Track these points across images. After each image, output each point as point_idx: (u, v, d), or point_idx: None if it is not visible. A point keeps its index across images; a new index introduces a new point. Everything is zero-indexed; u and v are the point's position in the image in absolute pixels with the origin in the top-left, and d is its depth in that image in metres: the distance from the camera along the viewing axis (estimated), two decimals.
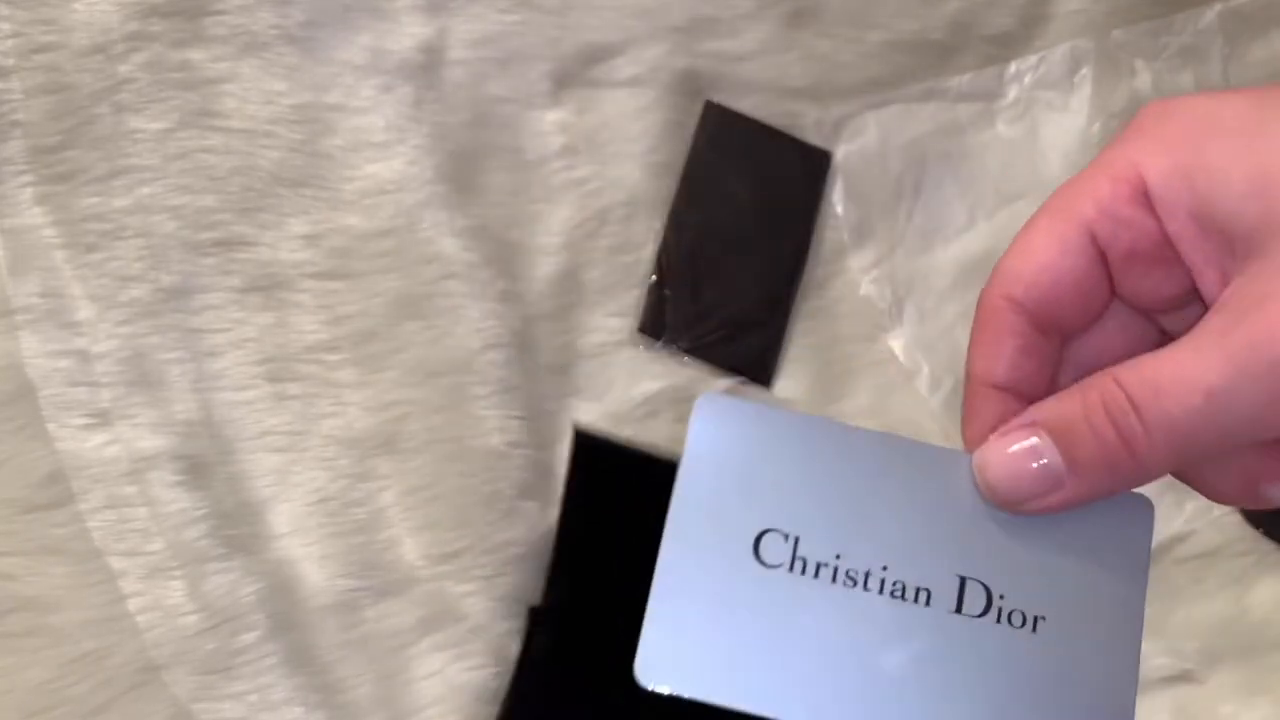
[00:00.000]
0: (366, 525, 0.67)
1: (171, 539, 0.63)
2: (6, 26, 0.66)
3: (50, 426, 0.63)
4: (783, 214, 0.79)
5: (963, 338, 0.78)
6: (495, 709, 0.66)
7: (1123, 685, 0.34)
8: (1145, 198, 0.34)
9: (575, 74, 0.76)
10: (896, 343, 0.79)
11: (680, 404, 0.75)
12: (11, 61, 0.66)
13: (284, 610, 0.65)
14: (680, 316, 0.76)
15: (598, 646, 0.59)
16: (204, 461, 0.65)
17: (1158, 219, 0.34)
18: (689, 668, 0.34)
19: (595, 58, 0.76)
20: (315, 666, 0.65)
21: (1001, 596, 0.34)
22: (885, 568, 0.34)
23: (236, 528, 0.65)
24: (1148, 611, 0.72)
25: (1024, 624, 0.34)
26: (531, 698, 0.62)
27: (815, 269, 0.79)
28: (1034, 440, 0.33)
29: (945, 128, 0.81)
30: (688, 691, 0.34)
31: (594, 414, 0.74)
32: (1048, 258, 0.35)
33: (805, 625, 0.34)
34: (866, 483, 0.35)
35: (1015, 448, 0.33)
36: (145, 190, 0.67)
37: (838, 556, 0.34)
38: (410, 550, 0.68)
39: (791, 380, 0.77)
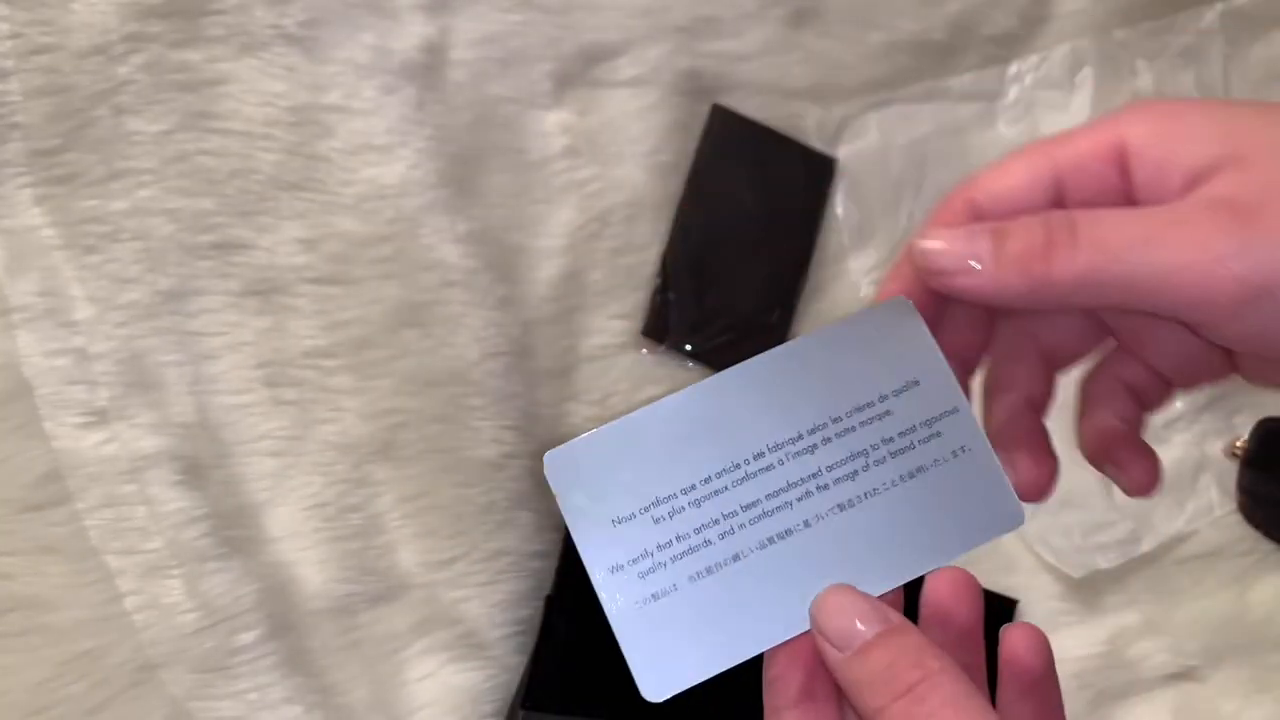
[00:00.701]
0: (362, 531, 0.67)
1: (169, 538, 0.63)
2: (5, 28, 0.65)
3: (47, 425, 0.63)
4: (787, 218, 0.79)
5: None
6: (489, 710, 0.66)
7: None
8: (1120, 158, 0.37)
9: (577, 74, 0.76)
10: None
11: None
12: (10, 63, 0.66)
13: (282, 612, 0.65)
14: (684, 319, 0.76)
15: (610, 634, 0.61)
16: (201, 463, 0.65)
17: (1127, 179, 0.37)
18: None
19: (597, 58, 0.76)
20: (313, 668, 0.65)
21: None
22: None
23: (234, 529, 0.65)
24: (1149, 610, 0.71)
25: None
26: (550, 679, 0.63)
27: (817, 271, 0.79)
28: (975, 230, 0.37)
29: (946, 128, 0.81)
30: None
31: (595, 419, 0.74)
32: (1015, 181, 0.38)
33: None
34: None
35: (958, 231, 0.37)
36: (144, 193, 0.67)
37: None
38: (406, 556, 0.68)
39: None
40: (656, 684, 0.38)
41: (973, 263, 0.36)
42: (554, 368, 0.73)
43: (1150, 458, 0.42)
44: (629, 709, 0.59)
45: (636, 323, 0.75)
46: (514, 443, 0.69)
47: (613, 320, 0.75)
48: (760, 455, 0.39)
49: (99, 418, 0.64)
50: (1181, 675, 0.73)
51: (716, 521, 0.39)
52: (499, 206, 0.74)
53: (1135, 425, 0.42)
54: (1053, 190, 0.38)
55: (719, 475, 0.39)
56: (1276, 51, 0.84)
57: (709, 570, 0.38)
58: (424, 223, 0.70)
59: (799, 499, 0.38)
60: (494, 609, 0.67)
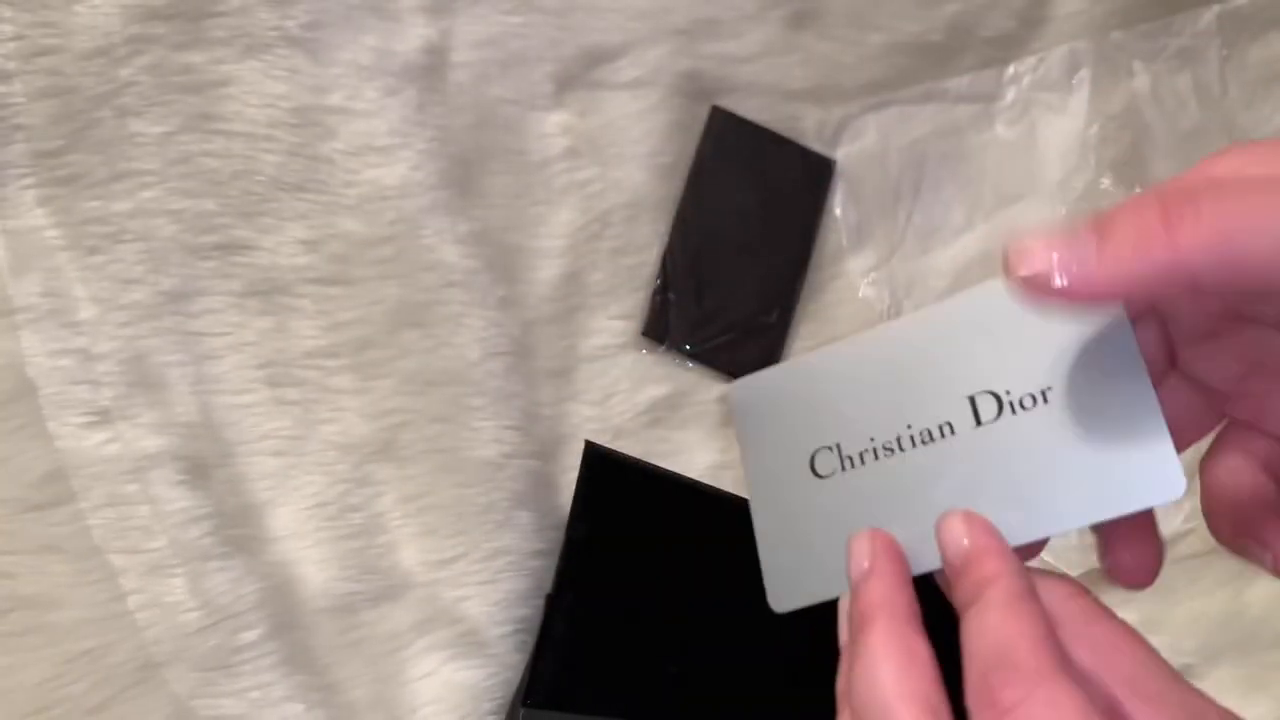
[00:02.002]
0: (364, 530, 0.67)
1: (172, 537, 0.63)
2: (8, 29, 0.66)
3: (50, 425, 0.63)
4: (786, 219, 0.79)
5: None
6: (490, 708, 0.66)
7: (1147, 419, 0.35)
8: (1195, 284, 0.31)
9: (578, 76, 0.76)
10: None
11: (683, 408, 0.75)
12: (14, 65, 0.66)
13: (284, 610, 0.65)
14: (684, 320, 0.76)
15: (610, 632, 0.64)
16: (204, 463, 0.65)
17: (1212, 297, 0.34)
18: (804, 583, 0.40)
19: (598, 59, 0.76)
20: (315, 667, 0.65)
21: (1007, 392, 0.37)
22: (909, 425, 0.39)
23: (236, 528, 0.65)
24: (1147, 608, 0.71)
25: (1035, 403, 0.37)
26: (551, 676, 0.63)
27: (815, 272, 0.79)
28: (1074, 228, 0.32)
29: (944, 129, 0.81)
30: (813, 600, 0.39)
31: (595, 419, 0.74)
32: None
33: (871, 503, 0.39)
34: (874, 375, 0.40)
35: (1052, 234, 0.32)
36: (146, 194, 0.67)
37: (871, 439, 0.40)
38: (407, 556, 0.68)
39: None
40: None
41: (1086, 252, 0.31)
42: (554, 368, 0.73)
43: None
44: (630, 706, 0.61)
45: (636, 323, 0.76)
46: (514, 443, 0.69)
47: (613, 320, 0.75)
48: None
49: (102, 417, 0.64)
50: (1180, 673, 0.73)
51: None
52: (500, 207, 0.74)
53: (1272, 500, 0.38)
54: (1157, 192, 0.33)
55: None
56: (1273, 52, 0.84)
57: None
58: (425, 224, 0.70)
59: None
60: (494, 608, 0.67)
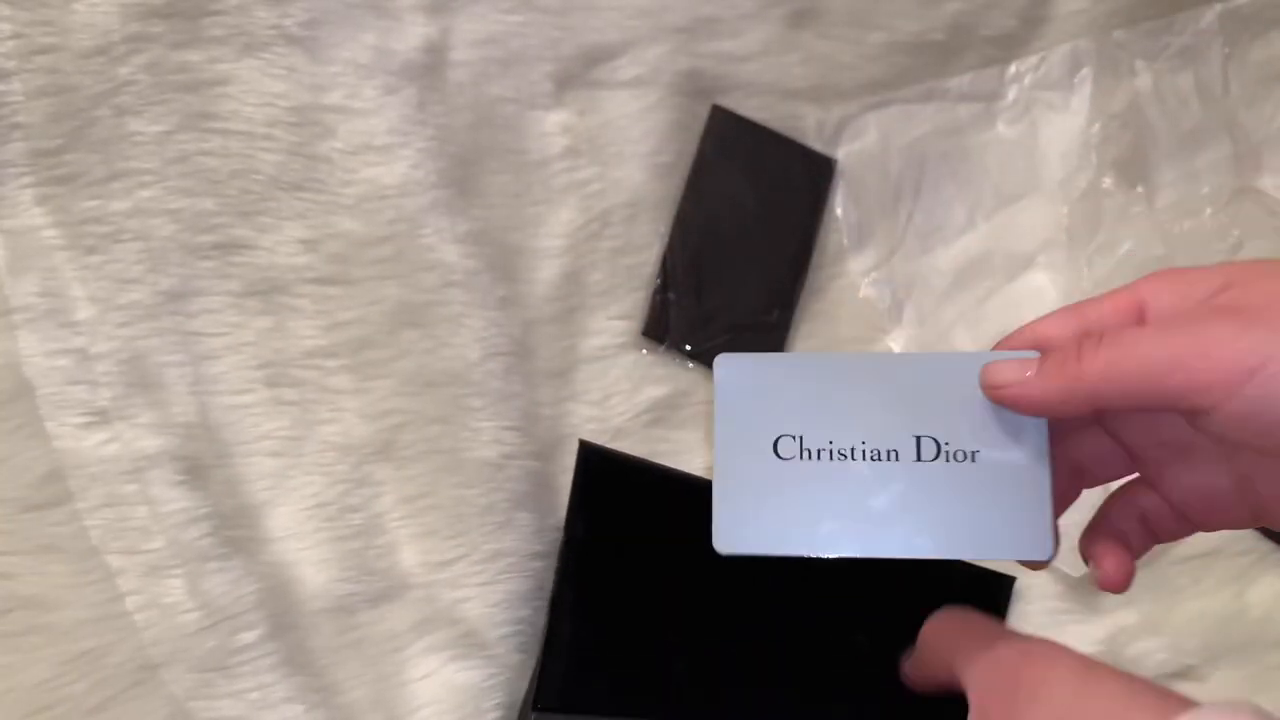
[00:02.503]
0: (363, 531, 0.67)
1: (170, 538, 0.63)
2: (7, 28, 0.66)
3: (49, 425, 0.63)
4: (786, 218, 0.79)
5: (961, 339, 0.78)
6: (489, 708, 0.66)
7: (1039, 498, 0.46)
8: (1139, 309, 0.44)
9: (577, 75, 0.76)
10: (896, 344, 0.79)
11: (683, 408, 0.75)
12: (13, 64, 0.66)
13: (282, 611, 0.65)
14: (684, 319, 0.76)
15: (615, 631, 0.66)
16: (202, 463, 0.65)
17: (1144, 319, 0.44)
18: (746, 535, 0.47)
19: (597, 58, 0.76)
20: (314, 667, 0.65)
21: (947, 443, 0.47)
22: (864, 441, 0.47)
23: (235, 529, 0.65)
24: (1147, 609, 0.72)
25: (965, 459, 0.46)
26: (558, 679, 0.64)
27: (816, 271, 0.79)
28: (1026, 354, 0.45)
29: (945, 128, 0.81)
30: (750, 550, 0.47)
31: (595, 419, 0.74)
32: (1050, 330, 0.46)
33: (816, 493, 0.47)
34: (846, 390, 0.48)
35: (1012, 355, 0.45)
36: (145, 193, 0.67)
37: (830, 442, 0.47)
38: (406, 556, 0.68)
39: None
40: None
41: (1026, 374, 0.44)
42: (554, 368, 0.73)
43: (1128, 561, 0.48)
44: (639, 704, 0.62)
45: (636, 323, 0.75)
46: (514, 443, 0.69)
47: (613, 320, 0.75)
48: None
49: (100, 418, 0.64)
50: (1180, 674, 0.73)
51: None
52: (499, 207, 0.74)
53: (1137, 547, 0.48)
54: (1081, 334, 0.44)
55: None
56: (1275, 52, 0.84)
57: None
58: (424, 223, 0.70)
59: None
60: (494, 609, 0.67)
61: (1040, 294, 0.80)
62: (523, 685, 0.67)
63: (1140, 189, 0.81)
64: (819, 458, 0.48)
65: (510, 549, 0.68)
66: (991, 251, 0.81)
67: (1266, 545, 0.76)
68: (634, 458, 0.67)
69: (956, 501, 0.46)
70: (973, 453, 0.47)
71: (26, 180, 0.66)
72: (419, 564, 0.68)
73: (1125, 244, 0.78)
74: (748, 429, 0.48)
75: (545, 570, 0.69)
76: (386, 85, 0.71)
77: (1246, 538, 0.76)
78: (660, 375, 0.75)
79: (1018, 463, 0.46)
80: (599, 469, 0.66)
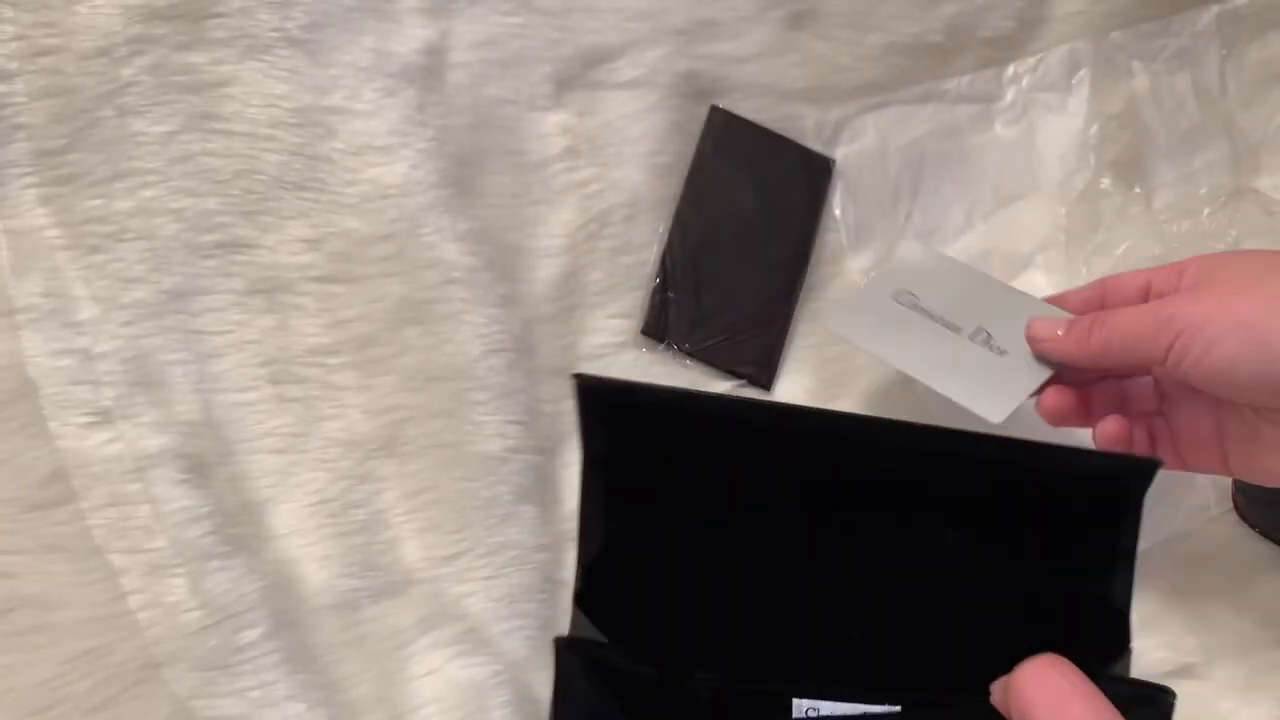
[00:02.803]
0: (366, 526, 0.68)
1: (173, 537, 0.63)
2: (10, 29, 0.66)
3: (52, 425, 0.63)
4: (785, 218, 0.79)
5: None
6: (495, 704, 0.66)
7: (1020, 390, 0.65)
8: (1146, 290, 0.66)
9: (576, 76, 0.76)
10: None
11: None
12: (15, 65, 0.66)
13: (285, 609, 0.65)
14: (683, 319, 0.76)
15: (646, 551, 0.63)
16: (205, 461, 0.65)
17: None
18: (854, 326, 0.71)
19: (596, 60, 0.77)
20: (316, 665, 0.65)
21: (990, 337, 0.68)
22: (944, 315, 0.70)
23: (238, 527, 0.65)
24: (1147, 608, 0.72)
25: (995, 351, 0.67)
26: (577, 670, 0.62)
27: (815, 271, 0.79)
28: (1060, 319, 0.66)
29: (944, 129, 0.81)
30: (856, 341, 0.71)
31: None
32: (1081, 296, 0.70)
33: (905, 327, 0.70)
34: (954, 284, 0.72)
35: (1052, 315, 0.67)
36: (148, 193, 0.67)
37: (925, 305, 0.70)
38: (410, 552, 0.68)
39: (793, 381, 0.78)
40: (841, 327, 0.72)
41: (1057, 333, 0.65)
42: (555, 366, 0.73)
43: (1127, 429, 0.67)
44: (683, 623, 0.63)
45: (636, 322, 0.76)
46: (517, 437, 0.69)
47: (612, 319, 0.76)
48: (960, 324, 0.70)
49: (103, 417, 0.64)
50: (1179, 673, 0.73)
51: (919, 316, 0.71)
52: (499, 207, 0.74)
53: (1139, 439, 0.68)
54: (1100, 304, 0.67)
55: (941, 310, 0.71)
56: (1273, 53, 0.84)
57: (906, 319, 0.71)
58: (425, 222, 0.70)
59: (950, 343, 0.69)
60: (498, 603, 0.67)
61: (1038, 294, 0.80)
62: (528, 680, 0.67)
63: (1138, 190, 0.81)
64: (915, 309, 0.71)
65: (514, 541, 0.68)
66: (990, 252, 0.81)
67: (1267, 545, 0.76)
68: (638, 383, 0.63)
69: (975, 368, 0.66)
70: (1001, 350, 0.67)
71: (29, 180, 0.66)
72: (423, 559, 0.68)
73: (1123, 244, 0.78)
74: (886, 280, 0.72)
75: (550, 564, 0.69)
76: (386, 87, 0.71)
77: (1247, 538, 0.76)
78: (659, 374, 0.76)
79: (1021, 369, 0.66)
80: (602, 396, 0.61)
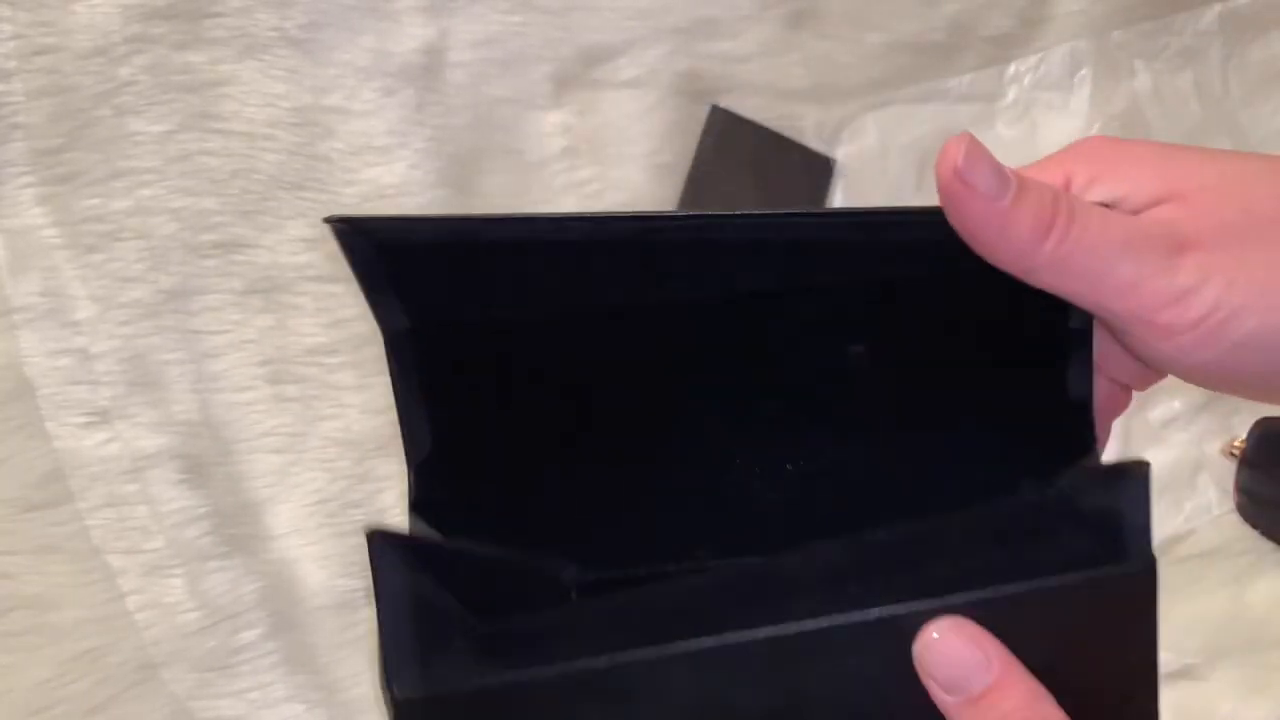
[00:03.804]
0: (366, 526, 0.67)
1: (171, 537, 0.63)
2: (8, 28, 0.66)
3: (49, 425, 0.63)
4: None
5: None
6: None
7: None
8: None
9: (576, 75, 0.76)
10: None
11: None
12: (13, 64, 0.66)
13: (284, 609, 0.65)
14: None
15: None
16: (204, 461, 0.65)
17: None
18: None
19: (596, 59, 0.76)
20: (315, 665, 0.65)
21: None
22: None
23: (236, 527, 0.65)
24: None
25: None
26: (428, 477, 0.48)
27: None
28: (1008, 172, 0.37)
29: (945, 129, 0.81)
30: None
31: None
32: None
33: None
34: None
35: (995, 162, 0.37)
36: (146, 192, 0.67)
37: None
38: None
39: None
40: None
41: (999, 196, 0.36)
42: None
43: None
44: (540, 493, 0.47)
45: None
46: None
47: None
48: None
49: (101, 417, 0.64)
50: (1180, 674, 0.73)
51: None
52: (498, 206, 0.74)
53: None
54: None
55: None
56: (1275, 52, 0.84)
57: None
58: None
59: None
60: None
61: None
62: None
63: None
64: None
65: None
66: None
67: (1266, 545, 0.76)
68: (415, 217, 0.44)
69: None
70: None
71: (27, 180, 0.66)
72: None
73: None
74: None
75: None
76: (385, 87, 0.71)
77: (1247, 538, 0.76)
78: None
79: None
80: (373, 246, 0.41)
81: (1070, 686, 0.38)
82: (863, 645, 0.39)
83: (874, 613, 0.38)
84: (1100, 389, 0.43)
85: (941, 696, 0.37)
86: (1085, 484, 0.41)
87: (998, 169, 0.37)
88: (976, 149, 0.37)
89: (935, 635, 0.37)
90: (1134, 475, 0.41)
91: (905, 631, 0.38)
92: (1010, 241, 0.36)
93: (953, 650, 0.37)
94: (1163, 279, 0.36)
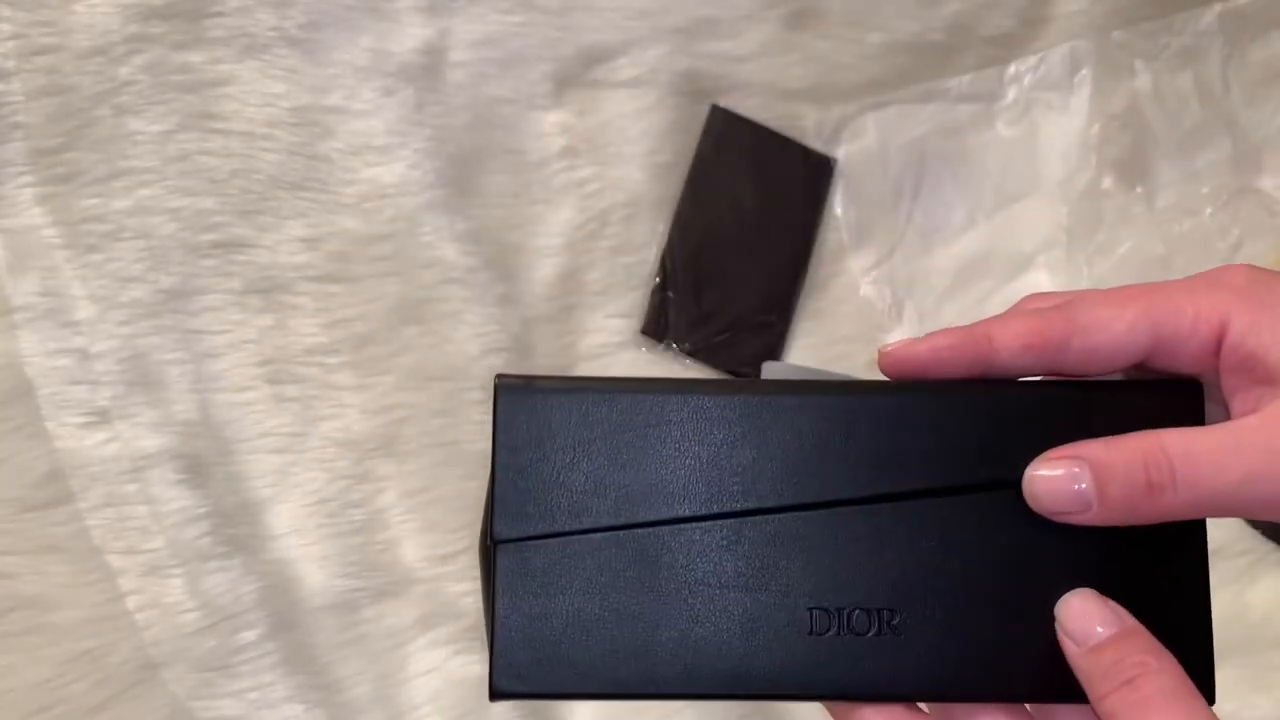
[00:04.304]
0: (365, 526, 0.67)
1: (171, 537, 0.63)
2: (7, 28, 0.66)
3: (49, 425, 0.63)
4: (786, 218, 0.79)
5: None
6: (490, 701, 0.66)
7: None
8: (1219, 339, 0.39)
9: (576, 75, 0.76)
10: None
11: None
12: (12, 64, 0.66)
13: (283, 609, 0.65)
14: (683, 318, 0.76)
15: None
16: (203, 461, 0.65)
17: (1218, 357, 0.39)
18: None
19: (596, 59, 0.76)
20: (315, 665, 0.65)
21: None
22: None
23: (236, 527, 0.65)
24: None
25: None
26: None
27: (816, 270, 0.79)
28: (1076, 469, 0.39)
29: (945, 129, 0.81)
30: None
31: None
32: (1116, 337, 0.40)
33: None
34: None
35: (1060, 471, 0.39)
36: (145, 192, 0.67)
37: None
38: (409, 551, 0.68)
39: None
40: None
41: (1088, 505, 0.38)
42: (554, 365, 0.73)
43: None
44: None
45: (635, 321, 0.75)
46: None
47: (611, 319, 0.75)
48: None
49: (100, 417, 0.64)
50: None
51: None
52: (498, 206, 0.74)
53: None
54: (1148, 350, 0.40)
55: None
56: (1275, 52, 0.84)
57: None
58: (423, 221, 0.70)
59: None
60: None
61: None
62: None
63: (1140, 189, 0.81)
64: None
65: None
66: (991, 251, 0.81)
67: (1266, 545, 0.76)
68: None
69: None
70: None
71: (26, 180, 0.66)
72: (421, 558, 0.68)
73: (1125, 244, 0.78)
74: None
75: None
76: (384, 87, 0.71)
77: (1246, 538, 0.76)
78: (659, 373, 0.75)
79: None
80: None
81: None
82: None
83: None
84: None
85: (1073, 649, 0.39)
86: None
87: (1061, 478, 0.39)
88: (1041, 485, 0.39)
89: (1074, 597, 0.40)
90: (1187, 390, 0.41)
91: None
92: (1119, 520, 0.39)
93: (1087, 607, 0.39)
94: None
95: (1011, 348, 0.40)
